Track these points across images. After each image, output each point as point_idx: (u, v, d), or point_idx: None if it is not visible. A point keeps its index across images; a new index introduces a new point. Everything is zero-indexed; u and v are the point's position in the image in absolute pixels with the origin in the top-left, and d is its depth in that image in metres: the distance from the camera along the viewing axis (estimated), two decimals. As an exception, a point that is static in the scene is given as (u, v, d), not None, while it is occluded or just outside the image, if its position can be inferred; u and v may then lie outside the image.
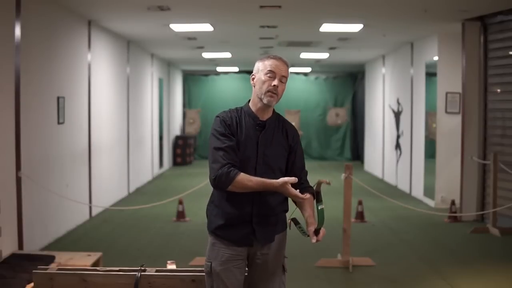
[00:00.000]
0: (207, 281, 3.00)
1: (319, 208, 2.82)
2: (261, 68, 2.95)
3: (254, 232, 2.93)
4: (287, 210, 3.08)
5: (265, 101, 2.93)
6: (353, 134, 18.47)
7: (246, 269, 3.04)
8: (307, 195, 2.88)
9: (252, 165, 2.91)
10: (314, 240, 2.82)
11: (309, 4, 7.51)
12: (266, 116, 2.98)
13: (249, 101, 3.03)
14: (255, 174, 2.89)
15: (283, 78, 2.94)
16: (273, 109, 3.04)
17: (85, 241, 7.22)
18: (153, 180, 13.32)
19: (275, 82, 2.90)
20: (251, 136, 2.93)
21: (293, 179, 2.80)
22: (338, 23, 8.95)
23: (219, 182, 2.84)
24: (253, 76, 2.99)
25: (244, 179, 2.81)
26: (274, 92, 2.91)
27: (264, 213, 2.93)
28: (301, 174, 3.03)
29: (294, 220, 2.95)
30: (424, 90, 10.45)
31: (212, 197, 3.03)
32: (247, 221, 2.92)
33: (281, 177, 2.90)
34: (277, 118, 3.04)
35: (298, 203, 2.95)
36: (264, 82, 2.92)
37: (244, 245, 2.94)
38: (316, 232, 2.84)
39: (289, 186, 2.80)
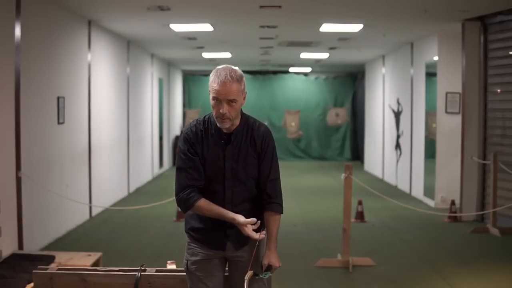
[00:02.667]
0: (187, 278, 3.02)
1: (266, 276, 2.90)
2: (209, 87, 2.83)
3: (227, 236, 2.92)
4: (261, 213, 3.02)
5: (219, 125, 2.85)
6: (353, 134, 18.47)
7: (227, 268, 3.04)
8: (262, 235, 2.83)
9: (220, 179, 2.88)
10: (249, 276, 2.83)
11: (309, 4, 7.51)
12: (232, 127, 2.89)
13: None
14: (224, 188, 2.88)
15: (232, 100, 2.78)
16: (242, 115, 2.93)
17: (85, 241, 7.22)
18: (153, 180, 13.32)
19: (222, 110, 2.77)
20: (217, 150, 2.87)
21: (251, 221, 2.79)
22: (338, 23, 8.95)
23: (180, 206, 2.91)
24: (209, 89, 2.87)
25: (203, 208, 2.85)
26: (224, 118, 2.81)
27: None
28: (266, 185, 2.93)
29: (255, 273, 2.91)
30: (424, 90, 10.45)
31: None
32: (221, 227, 2.91)
33: (256, 185, 2.94)
34: (245, 125, 2.92)
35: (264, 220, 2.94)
36: (213, 106, 2.83)
37: (217, 248, 2.94)
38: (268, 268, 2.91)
39: (246, 228, 2.79)
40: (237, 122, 2.90)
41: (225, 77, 2.78)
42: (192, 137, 2.89)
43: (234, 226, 2.90)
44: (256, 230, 2.86)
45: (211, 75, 2.84)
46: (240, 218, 2.81)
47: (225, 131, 2.88)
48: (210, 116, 2.93)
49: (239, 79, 2.81)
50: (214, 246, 2.93)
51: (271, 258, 2.89)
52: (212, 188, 2.89)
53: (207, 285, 2.94)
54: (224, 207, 2.87)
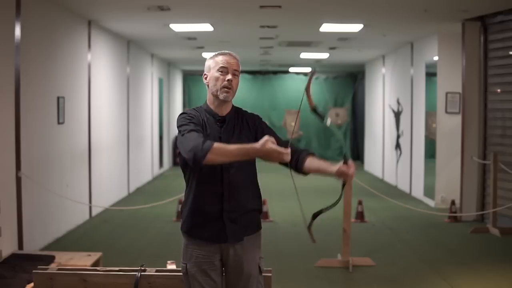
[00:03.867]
0: (184, 282, 3.00)
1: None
2: (212, 65, 2.95)
3: (225, 229, 2.89)
4: (260, 210, 3.03)
5: (221, 97, 2.91)
6: (353, 134, 18.48)
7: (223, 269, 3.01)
8: (287, 150, 2.65)
9: None
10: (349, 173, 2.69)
11: (309, 4, 7.51)
12: (225, 112, 2.97)
13: (206, 101, 3.01)
14: (221, 170, 2.87)
15: (236, 72, 2.94)
16: (232, 105, 3.02)
17: (85, 241, 7.22)
18: (153, 180, 13.32)
19: (229, 77, 2.90)
20: (213, 133, 2.91)
21: (269, 138, 2.63)
22: (338, 23, 8.96)
23: (196, 155, 2.65)
24: (205, 75, 2.97)
25: (221, 148, 2.67)
26: (229, 87, 2.91)
27: (235, 209, 2.90)
28: (288, 145, 2.77)
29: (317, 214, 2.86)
30: (424, 90, 10.45)
31: (185, 198, 3.01)
32: (218, 218, 2.89)
33: (252, 168, 2.95)
34: (236, 112, 3.02)
35: (306, 167, 2.81)
36: (217, 78, 2.91)
37: (216, 241, 2.91)
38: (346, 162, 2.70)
39: (271, 144, 2.62)
40: (229, 108, 2.99)
41: (229, 53, 2.98)
42: (194, 114, 2.94)
43: (231, 217, 2.88)
44: (259, 216, 2.95)
45: (209, 59, 2.98)
46: (262, 139, 2.65)
47: (219, 114, 2.95)
48: (202, 106, 3.02)
49: (238, 60, 3.00)
50: (211, 239, 2.91)
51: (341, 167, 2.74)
52: (210, 171, 2.86)
53: None
54: (221, 190, 2.87)
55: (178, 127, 2.90)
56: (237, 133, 2.95)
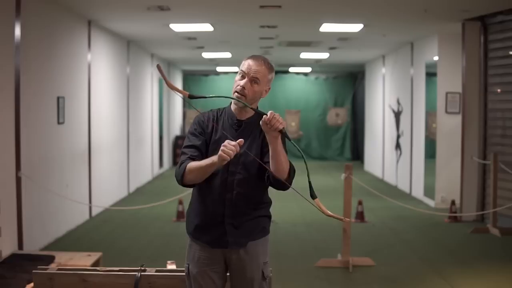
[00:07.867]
0: (187, 282, 2.98)
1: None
2: (240, 67, 2.89)
3: (226, 234, 2.86)
4: (269, 216, 2.99)
5: (233, 101, 2.87)
6: (353, 134, 18.48)
7: (228, 274, 2.98)
8: (232, 142, 2.58)
9: (225, 164, 2.80)
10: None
11: (309, 4, 7.51)
12: (246, 115, 2.90)
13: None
14: (228, 173, 2.83)
15: (255, 79, 2.82)
16: (257, 108, 2.92)
17: (85, 241, 7.22)
18: (153, 180, 13.32)
19: (242, 83, 2.80)
20: (225, 137, 2.80)
21: (238, 142, 2.60)
22: (338, 23, 8.96)
23: (177, 179, 2.81)
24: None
25: (193, 164, 2.74)
26: (240, 94, 2.81)
27: (237, 214, 2.85)
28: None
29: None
30: (424, 90, 10.46)
31: (191, 200, 3.00)
32: (220, 222, 2.86)
33: (260, 178, 2.84)
34: (259, 117, 2.86)
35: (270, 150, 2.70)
36: (235, 82, 2.86)
37: (217, 246, 2.88)
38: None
39: (222, 147, 2.58)
40: (251, 113, 2.91)
41: (259, 57, 2.89)
42: (205, 121, 2.90)
43: (232, 223, 2.84)
44: (258, 220, 2.89)
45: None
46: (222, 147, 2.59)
47: (237, 117, 2.89)
48: (225, 107, 2.97)
49: (270, 67, 2.90)
50: (213, 244, 2.88)
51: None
52: (215, 174, 2.82)
53: None
54: (224, 194, 2.83)
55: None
56: (250, 140, 2.86)
